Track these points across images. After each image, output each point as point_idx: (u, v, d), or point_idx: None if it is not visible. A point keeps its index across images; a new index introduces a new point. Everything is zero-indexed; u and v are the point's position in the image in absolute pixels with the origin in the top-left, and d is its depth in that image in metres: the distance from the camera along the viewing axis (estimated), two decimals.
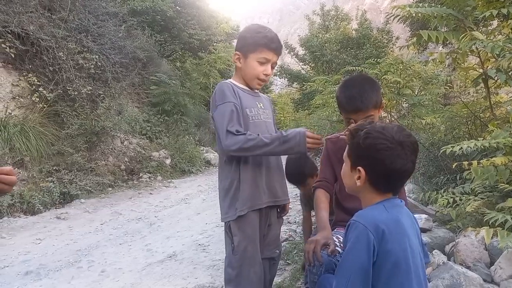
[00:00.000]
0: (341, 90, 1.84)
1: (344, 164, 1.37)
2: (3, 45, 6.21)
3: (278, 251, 1.95)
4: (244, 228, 1.72)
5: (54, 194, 5.69)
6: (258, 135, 1.67)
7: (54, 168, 6.27)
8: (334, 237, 1.67)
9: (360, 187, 1.28)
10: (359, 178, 1.27)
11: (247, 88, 1.88)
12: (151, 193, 7.01)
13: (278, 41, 1.85)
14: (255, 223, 1.74)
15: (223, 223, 1.82)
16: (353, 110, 1.75)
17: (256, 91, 1.92)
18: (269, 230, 1.86)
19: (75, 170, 6.50)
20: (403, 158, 1.21)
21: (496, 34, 3.39)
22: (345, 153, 1.36)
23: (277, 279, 2.79)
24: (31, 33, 6.57)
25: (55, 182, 5.97)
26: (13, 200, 5.14)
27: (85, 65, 7.38)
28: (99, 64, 7.82)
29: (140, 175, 8.01)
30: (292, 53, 20.04)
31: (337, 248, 1.61)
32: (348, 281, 1.15)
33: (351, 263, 1.16)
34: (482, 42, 2.61)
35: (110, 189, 6.94)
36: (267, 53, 1.80)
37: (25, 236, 4.34)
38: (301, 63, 20.15)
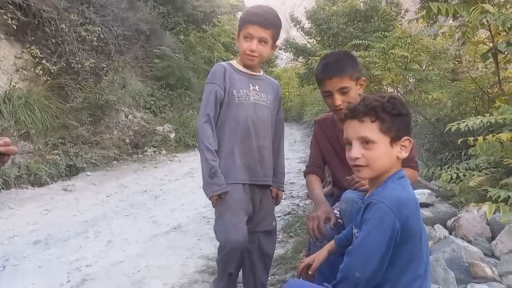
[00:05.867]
0: (318, 62, 1.86)
1: (371, 145, 1.17)
2: (4, 16, 6.12)
3: (274, 223, 2.07)
4: (225, 199, 1.82)
5: (60, 167, 5.76)
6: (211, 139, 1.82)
7: (59, 141, 6.33)
8: (335, 210, 1.70)
9: (398, 159, 1.21)
10: (402, 149, 1.20)
11: (245, 70, 1.94)
12: (156, 167, 7.08)
13: (263, 16, 1.86)
14: (235, 195, 1.83)
15: None
16: (328, 77, 1.72)
17: (259, 73, 1.98)
18: (261, 206, 1.96)
19: (80, 143, 6.56)
20: None
21: (508, 6, 3.28)
22: (372, 134, 1.17)
23: (280, 251, 2.85)
24: (32, 4, 6.45)
25: (61, 155, 6.03)
26: (20, 172, 5.21)
27: (87, 38, 7.27)
28: (102, 36, 7.70)
29: (145, 149, 8.06)
30: (298, 26, 19.64)
31: (338, 220, 1.64)
32: (365, 261, 1.11)
33: (371, 244, 1.11)
34: (493, 15, 2.54)
35: (115, 162, 7.01)
36: (249, 28, 1.84)
37: (33, 207, 4.43)
38: (307, 37, 19.75)
